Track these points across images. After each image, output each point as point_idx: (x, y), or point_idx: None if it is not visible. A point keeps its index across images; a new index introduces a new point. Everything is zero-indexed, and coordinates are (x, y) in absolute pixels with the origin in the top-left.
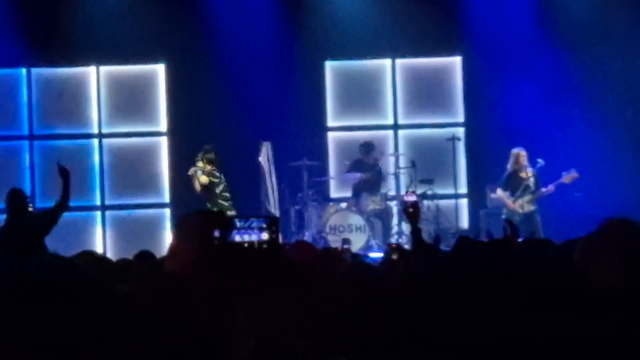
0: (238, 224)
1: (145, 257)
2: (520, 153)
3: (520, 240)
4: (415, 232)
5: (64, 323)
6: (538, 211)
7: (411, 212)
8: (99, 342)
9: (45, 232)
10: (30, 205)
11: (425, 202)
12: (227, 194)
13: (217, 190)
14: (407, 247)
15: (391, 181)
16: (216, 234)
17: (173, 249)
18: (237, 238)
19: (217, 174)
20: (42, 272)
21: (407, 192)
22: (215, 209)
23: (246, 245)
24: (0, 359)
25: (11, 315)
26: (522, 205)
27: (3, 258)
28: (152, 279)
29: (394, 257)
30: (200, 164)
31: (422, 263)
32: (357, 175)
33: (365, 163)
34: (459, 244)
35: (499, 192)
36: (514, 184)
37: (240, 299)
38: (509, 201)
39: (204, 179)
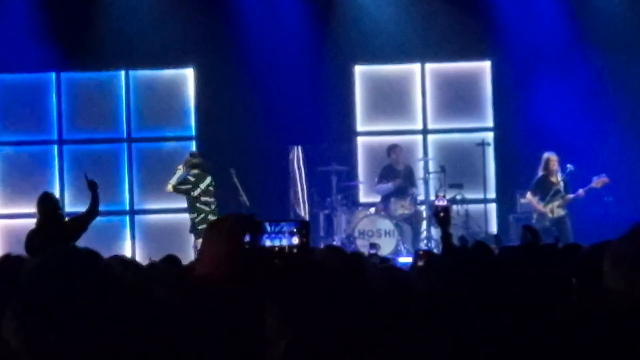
0: (269, 228)
1: (172, 261)
2: (550, 158)
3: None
4: (446, 237)
5: (94, 323)
6: (568, 216)
7: (442, 217)
8: (129, 344)
9: (75, 238)
10: (60, 209)
11: (455, 207)
12: (209, 198)
13: (194, 194)
14: (436, 251)
15: (420, 186)
16: (247, 238)
17: (204, 252)
18: (268, 242)
19: (192, 179)
20: (73, 268)
21: (438, 197)
22: (195, 214)
23: (277, 249)
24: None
25: (43, 313)
26: (552, 209)
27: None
28: (183, 282)
29: (420, 263)
30: (179, 169)
31: (453, 268)
32: (389, 186)
33: (395, 168)
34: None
35: (529, 197)
36: (544, 189)
37: (270, 303)
38: (539, 206)
39: (169, 187)
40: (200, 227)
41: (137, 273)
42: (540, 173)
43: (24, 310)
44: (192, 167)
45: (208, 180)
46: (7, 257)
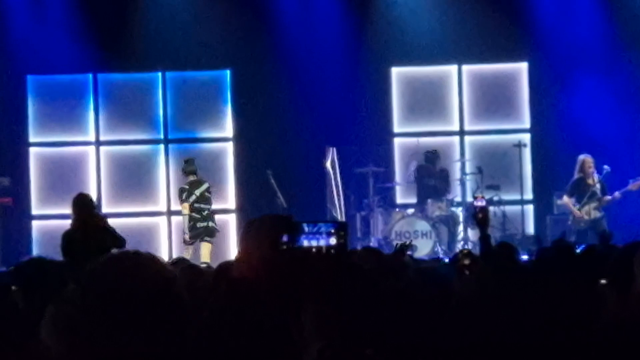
0: (306, 229)
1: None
2: (586, 160)
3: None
4: (485, 238)
5: (129, 327)
6: (604, 218)
7: (480, 218)
8: (166, 348)
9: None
10: (96, 210)
11: (492, 208)
12: (203, 205)
13: (189, 201)
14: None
15: (457, 187)
16: (284, 238)
17: (241, 254)
18: (305, 243)
19: (187, 187)
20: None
21: (476, 198)
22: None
23: (314, 250)
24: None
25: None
26: (589, 211)
27: (71, 263)
28: (220, 284)
29: (466, 262)
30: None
31: (496, 269)
32: (414, 163)
33: (432, 170)
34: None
35: (565, 199)
36: (580, 191)
37: (308, 304)
38: (574, 208)
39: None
40: (191, 232)
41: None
42: (576, 175)
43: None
44: (187, 174)
45: (204, 186)
46: (33, 259)
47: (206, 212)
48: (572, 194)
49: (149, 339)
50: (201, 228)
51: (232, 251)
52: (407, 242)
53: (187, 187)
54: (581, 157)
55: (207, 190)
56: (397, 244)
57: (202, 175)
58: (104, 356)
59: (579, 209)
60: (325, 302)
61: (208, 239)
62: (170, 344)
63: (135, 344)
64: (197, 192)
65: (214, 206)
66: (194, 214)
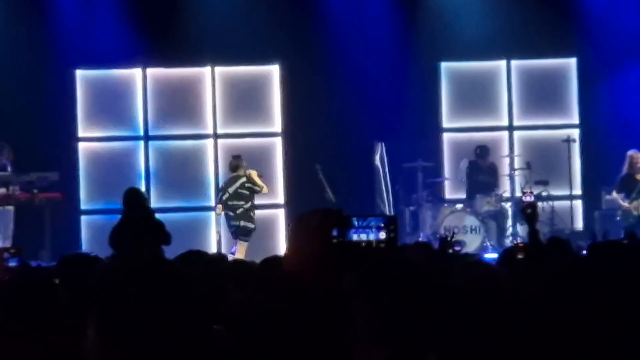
0: (356, 223)
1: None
2: (634, 155)
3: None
4: (533, 233)
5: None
6: None
7: (529, 213)
8: (218, 340)
9: (155, 239)
10: (146, 204)
11: (540, 204)
12: (237, 202)
13: (224, 198)
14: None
15: (506, 182)
16: (334, 233)
17: (291, 248)
18: (355, 237)
19: (223, 185)
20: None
21: (525, 193)
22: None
23: (364, 244)
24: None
25: (121, 316)
26: (637, 207)
27: (118, 258)
28: (266, 279)
29: (520, 256)
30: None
31: (555, 264)
32: (464, 161)
33: (481, 166)
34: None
35: (614, 195)
36: (628, 186)
37: (358, 298)
38: (624, 203)
39: None
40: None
41: (219, 270)
42: (624, 171)
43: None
44: (231, 171)
45: (239, 182)
46: (76, 255)
47: (240, 210)
48: (621, 189)
49: (194, 337)
50: (233, 227)
51: (281, 246)
52: (451, 237)
53: (223, 185)
54: (630, 152)
55: (242, 185)
56: (440, 237)
57: (255, 169)
58: (148, 350)
59: (630, 204)
60: (374, 296)
61: (243, 238)
62: (219, 339)
63: (180, 340)
64: (231, 189)
65: (265, 201)
66: (228, 212)
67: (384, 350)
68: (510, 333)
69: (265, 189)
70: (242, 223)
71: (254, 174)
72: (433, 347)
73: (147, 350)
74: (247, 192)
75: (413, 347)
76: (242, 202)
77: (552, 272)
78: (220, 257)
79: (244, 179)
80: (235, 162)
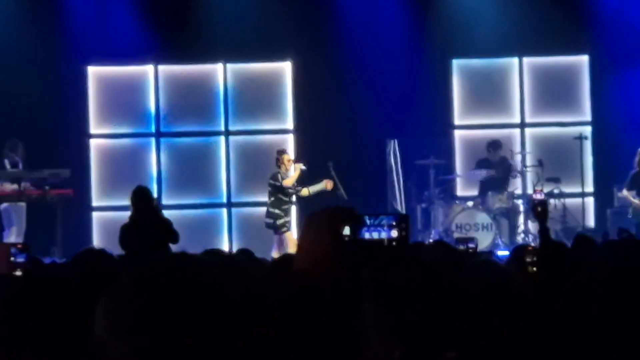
0: (368, 221)
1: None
2: None
3: None
4: (544, 231)
5: (190, 321)
6: None
7: (539, 211)
8: (225, 340)
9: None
10: (155, 203)
11: (552, 201)
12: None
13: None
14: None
15: (518, 179)
16: (346, 231)
17: (302, 246)
18: (367, 235)
19: None
20: (170, 270)
21: (535, 191)
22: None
23: (376, 242)
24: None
25: (140, 312)
26: None
27: (129, 256)
28: (279, 277)
29: (529, 259)
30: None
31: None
32: (483, 172)
33: (491, 161)
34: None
35: (625, 192)
36: (639, 183)
37: (370, 297)
38: (635, 200)
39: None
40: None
41: (232, 268)
42: (635, 168)
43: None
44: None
45: (269, 178)
46: (90, 250)
47: (268, 206)
48: (632, 186)
49: (201, 334)
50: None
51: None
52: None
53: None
54: None
55: (268, 182)
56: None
57: (266, 166)
58: (156, 347)
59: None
60: (386, 295)
61: (274, 232)
62: (226, 336)
63: (187, 336)
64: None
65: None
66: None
67: (395, 349)
68: (519, 332)
69: (287, 181)
70: (264, 219)
71: (297, 167)
72: (445, 346)
73: (156, 346)
74: (270, 189)
75: (424, 346)
76: (268, 199)
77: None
78: (241, 252)
79: (270, 175)
80: (276, 156)
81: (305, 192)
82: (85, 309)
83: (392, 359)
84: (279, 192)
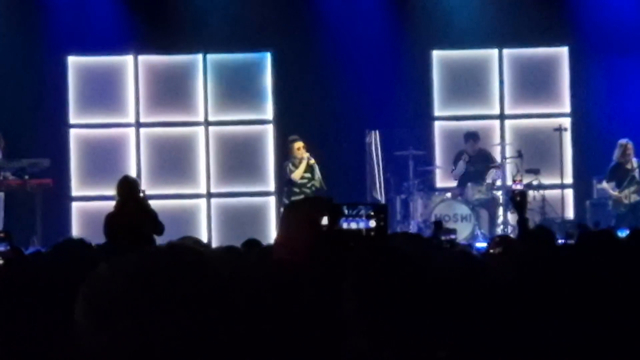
0: (346, 211)
1: (253, 245)
2: (626, 144)
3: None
4: (523, 222)
5: (171, 311)
6: None
7: (519, 201)
8: (206, 332)
9: (147, 228)
10: (140, 192)
11: (531, 192)
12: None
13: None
14: (512, 236)
15: (497, 170)
16: (324, 221)
17: (281, 236)
18: (345, 225)
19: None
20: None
21: (514, 181)
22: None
23: (354, 232)
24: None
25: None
26: (628, 196)
27: (109, 245)
28: (260, 267)
29: (496, 250)
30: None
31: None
32: (461, 164)
33: (469, 154)
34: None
35: (605, 184)
36: (619, 175)
37: (347, 286)
38: (614, 192)
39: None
40: None
41: (209, 256)
42: (615, 160)
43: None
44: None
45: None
46: (70, 240)
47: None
48: (612, 178)
49: (181, 324)
50: None
51: (272, 233)
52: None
53: None
54: (622, 141)
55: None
56: (435, 221)
57: (246, 157)
58: (135, 336)
59: (620, 192)
60: (363, 285)
61: None
62: (206, 326)
63: (167, 326)
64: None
65: (256, 188)
66: None
67: (374, 341)
68: (497, 324)
69: (294, 175)
70: None
71: (303, 157)
72: (409, 328)
73: (135, 335)
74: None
75: (402, 338)
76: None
77: (535, 260)
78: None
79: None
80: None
81: (317, 183)
82: (66, 298)
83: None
84: (288, 183)
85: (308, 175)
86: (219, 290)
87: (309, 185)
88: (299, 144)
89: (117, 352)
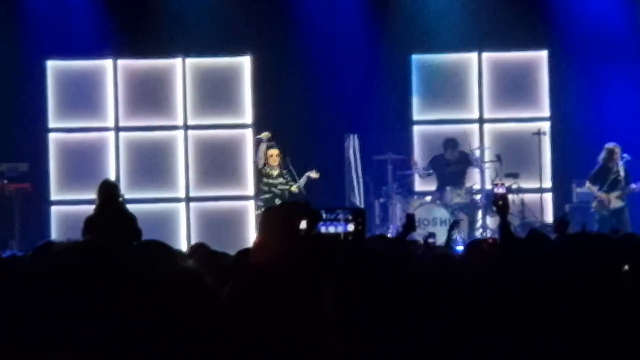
0: (324, 216)
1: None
2: (615, 149)
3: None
4: (504, 225)
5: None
6: (627, 208)
7: (501, 205)
8: (186, 333)
9: (127, 233)
10: (120, 196)
11: (510, 196)
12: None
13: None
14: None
15: (476, 174)
16: (302, 225)
17: (259, 240)
18: (323, 229)
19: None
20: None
21: (496, 185)
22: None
23: (332, 236)
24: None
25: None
26: (610, 200)
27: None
28: (239, 270)
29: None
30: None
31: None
32: (428, 172)
33: (446, 159)
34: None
35: (588, 184)
36: (603, 178)
37: (327, 290)
38: (599, 193)
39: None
40: None
41: (184, 259)
42: (601, 162)
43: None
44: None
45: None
46: (49, 243)
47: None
48: (595, 181)
49: (163, 326)
50: None
51: (251, 237)
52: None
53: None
54: (609, 145)
55: None
56: (407, 215)
57: (225, 161)
58: (120, 340)
59: (606, 196)
60: (342, 287)
61: None
62: (186, 330)
63: (149, 328)
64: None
65: (235, 192)
66: None
67: (353, 342)
68: (474, 327)
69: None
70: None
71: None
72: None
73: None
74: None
75: (381, 339)
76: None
77: (526, 264)
78: (198, 247)
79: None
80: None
81: (295, 189)
82: (45, 300)
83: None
84: (259, 180)
85: (281, 179)
86: (195, 296)
87: (280, 187)
88: (272, 152)
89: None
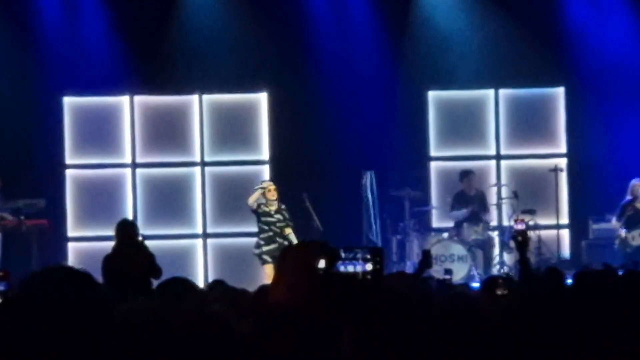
0: (343, 255)
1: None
2: (637, 184)
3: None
4: (524, 262)
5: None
6: None
7: (520, 241)
8: None
9: (146, 271)
10: (138, 236)
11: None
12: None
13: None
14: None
15: (493, 211)
16: (321, 264)
17: (277, 279)
18: (342, 268)
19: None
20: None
21: (517, 221)
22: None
23: (350, 276)
24: None
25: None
26: (634, 237)
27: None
28: (258, 309)
29: (500, 292)
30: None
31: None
32: (464, 212)
33: (467, 194)
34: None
35: (614, 223)
36: (628, 215)
37: (346, 330)
38: (622, 232)
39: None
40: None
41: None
42: (626, 199)
43: None
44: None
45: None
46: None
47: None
48: (620, 217)
49: None
50: None
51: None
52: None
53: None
54: (634, 181)
55: None
56: (423, 251)
57: (242, 197)
58: None
59: (627, 233)
60: (361, 327)
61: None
62: None
63: None
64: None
65: (252, 229)
66: None
67: None
68: None
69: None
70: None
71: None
72: None
73: None
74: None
75: None
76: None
77: (542, 302)
78: (215, 284)
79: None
80: None
81: (288, 230)
82: (68, 334)
83: None
84: (259, 221)
85: (279, 216)
86: (214, 335)
87: (278, 225)
88: (269, 185)
89: None
